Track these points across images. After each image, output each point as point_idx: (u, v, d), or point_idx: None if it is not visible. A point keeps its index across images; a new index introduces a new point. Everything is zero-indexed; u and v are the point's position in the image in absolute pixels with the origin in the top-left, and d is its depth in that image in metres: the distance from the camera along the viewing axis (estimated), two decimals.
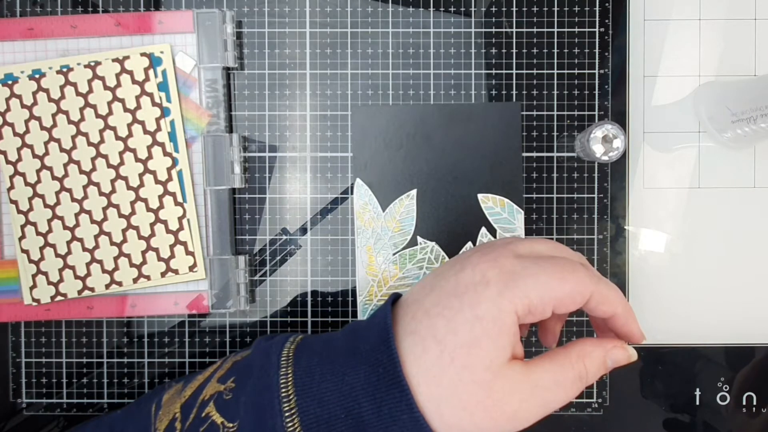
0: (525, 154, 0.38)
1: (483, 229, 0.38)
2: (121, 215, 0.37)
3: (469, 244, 0.38)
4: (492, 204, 0.38)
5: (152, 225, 0.37)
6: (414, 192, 0.38)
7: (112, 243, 0.37)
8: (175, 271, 0.37)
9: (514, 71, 0.38)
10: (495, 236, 0.38)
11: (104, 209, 0.37)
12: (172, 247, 0.37)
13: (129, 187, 0.37)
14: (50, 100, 0.37)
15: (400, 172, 0.38)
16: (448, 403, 0.24)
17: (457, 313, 0.24)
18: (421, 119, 0.38)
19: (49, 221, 0.37)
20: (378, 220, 0.38)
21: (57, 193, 0.37)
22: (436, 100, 0.38)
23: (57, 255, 0.37)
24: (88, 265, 0.37)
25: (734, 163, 0.39)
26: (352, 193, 0.38)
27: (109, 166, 0.37)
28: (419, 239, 0.38)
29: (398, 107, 0.38)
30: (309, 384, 0.26)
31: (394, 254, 0.38)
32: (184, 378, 0.32)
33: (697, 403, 0.39)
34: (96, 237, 0.37)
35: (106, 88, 0.37)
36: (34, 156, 0.37)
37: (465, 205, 0.38)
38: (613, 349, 0.26)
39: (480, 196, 0.38)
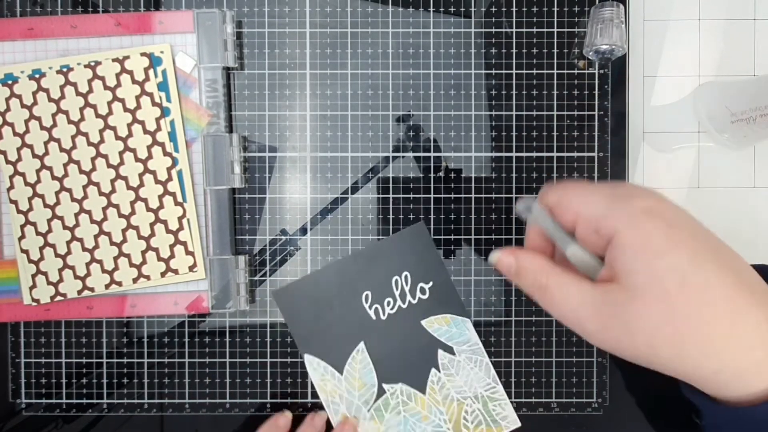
0: (525, 154, 0.38)
1: (440, 351, 0.38)
2: (120, 215, 0.37)
3: (433, 370, 0.38)
4: (438, 325, 0.38)
5: (152, 225, 0.37)
6: (362, 344, 0.38)
7: (112, 243, 0.37)
8: (175, 271, 0.37)
9: (513, 71, 0.38)
10: (454, 353, 0.38)
11: (104, 209, 0.37)
12: (172, 247, 0.37)
13: (129, 187, 0.37)
14: (50, 99, 0.37)
15: (342, 332, 0.38)
16: None
17: None
18: (339, 275, 0.38)
19: (49, 221, 0.37)
20: (340, 385, 0.38)
21: (57, 193, 0.37)
22: (435, 101, 0.38)
23: (57, 255, 0.37)
24: (87, 265, 0.37)
25: (734, 163, 0.39)
26: (352, 194, 0.38)
27: (109, 166, 0.37)
28: (385, 386, 0.38)
29: (314, 274, 0.38)
30: None
31: (368, 411, 0.38)
32: None
33: None
34: (96, 237, 0.37)
35: (106, 87, 0.37)
36: (34, 156, 0.37)
37: (414, 337, 0.38)
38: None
39: (423, 322, 0.38)
